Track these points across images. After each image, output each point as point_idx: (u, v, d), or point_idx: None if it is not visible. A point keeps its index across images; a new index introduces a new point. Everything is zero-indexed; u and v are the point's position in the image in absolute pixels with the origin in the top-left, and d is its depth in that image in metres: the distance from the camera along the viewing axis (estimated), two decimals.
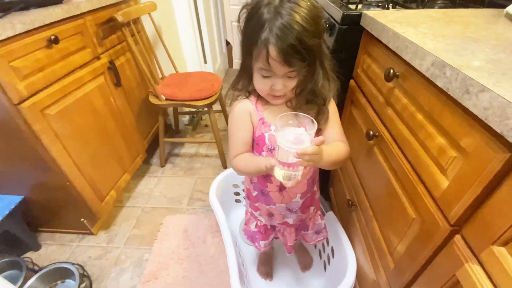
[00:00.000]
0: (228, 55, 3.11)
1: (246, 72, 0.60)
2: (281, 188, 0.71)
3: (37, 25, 0.84)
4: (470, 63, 0.40)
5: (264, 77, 0.55)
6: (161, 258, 1.11)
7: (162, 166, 1.64)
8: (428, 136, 0.47)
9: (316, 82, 0.57)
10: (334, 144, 0.61)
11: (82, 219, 1.15)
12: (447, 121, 0.43)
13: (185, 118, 2.05)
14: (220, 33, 2.72)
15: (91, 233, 1.22)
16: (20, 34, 0.80)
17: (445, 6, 0.86)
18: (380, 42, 0.66)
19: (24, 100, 0.81)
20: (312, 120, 0.49)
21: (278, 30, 0.47)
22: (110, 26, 1.21)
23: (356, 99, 0.85)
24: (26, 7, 0.93)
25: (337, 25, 0.83)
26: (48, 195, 1.07)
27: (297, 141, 0.48)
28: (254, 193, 0.78)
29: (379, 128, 0.67)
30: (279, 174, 0.52)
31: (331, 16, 0.91)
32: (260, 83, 0.57)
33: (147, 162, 1.66)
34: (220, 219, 0.99)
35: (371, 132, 0.67)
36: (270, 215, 0.79)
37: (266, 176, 0.70)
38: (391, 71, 0.58)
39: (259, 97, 0.64)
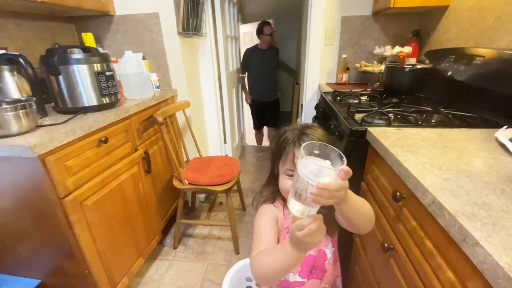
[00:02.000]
0: None
1: (273, 180, 0.70)
2: None
3: (93, 130, 1.02)
4: (465, 208, 0.46)
5: (290, 178, 0.62)
6: None
7: (175, 248, 1.63)
8: (438, 267, 0.51)
9: None
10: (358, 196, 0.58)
11: None
12: (452, 258, 0.47)
13: (202, 195, 2.12)
14: (239, 114, 3.03)
15: None
16: (78, 138, 0.96)
17: (441, 120, 0.98)
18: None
19: (69, 194, 0.92)
20: (340, 154, 0.45)
21: (302, 139, 0.61)
22: (149, 122, 1.42)
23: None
24: (85, 112, 1.14)
25: (345, 137, 0.96)
26: (63, 281, 1.08)
27: (320, 174, 0.43)
28: None
29: (393, 241, 0.70)
30: (294, 207, 0.47)
31: (340, 126, 1.05)
32: (285, 183, 0.63)
33: (160, 242, 1.66)
34: None
35: (386, 245, 0.70)
36: None
37: (288, 286, 0.70)
38: (398, 193, 0.64)
39: (285, 205, 0.70)
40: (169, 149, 1.44)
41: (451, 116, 0.97)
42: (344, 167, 0.42)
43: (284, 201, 0.69)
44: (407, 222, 0.64)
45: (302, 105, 2.21)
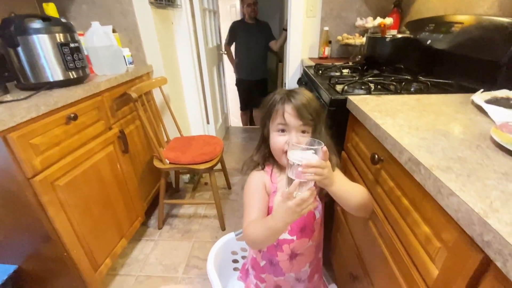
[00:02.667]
0: None
1: (264, 144, 0.72)
2: (292, 256, 0.73)
3: (59, 106, 0.94)
4: (441, 162, 0.46)
5: (280, 133, 0.65)
6: None
7: (159, 229, 1.62)
8: (414, 222, 0.51)
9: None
10: (352, 182, 0.67)
11: None
12: (428, 212, 0.47)
13: (186, 176, 2.09)
14: (222, 94, 2.96)
15: None
16: (43, 114, 0.89)
17: (420, 88, 0.98)
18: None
19: (37, 174, 0.86)
20: (319, 141, 0.56)
21: (292, 97, 0.64)
22: (123, 99, 1.34)
23: (348, 171, 0.91)
24: (50, 87, 1.06)
25: (326, 106, 0.94)
26: (42, 265, 1.04)
27: (305, 157, 0.54)
28: (262, 263, 0.79)
29: (372, 204, 0.71)
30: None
31: (321, 97, 1.04)
32: (276, 141, 0.65)
33: (144, 223, 1.64)
34: None
35: None
36: (277, 287, 0.79)
37: (277, 245, 0.72)
38: (376, 156, 0.64)
39: (273, 168, 0.72)
40: (146, 128, 1.38)
41: (429, 83, 0.98)
42: (322, 148, 0.53)
43: (274, 164, 0.72)
44: (385, 183, 0.64)
45: (285, 83, 2.17)
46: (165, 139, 1.68)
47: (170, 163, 1.43)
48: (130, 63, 1.53)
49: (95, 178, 1.10)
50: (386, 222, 0.63)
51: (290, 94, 0.64)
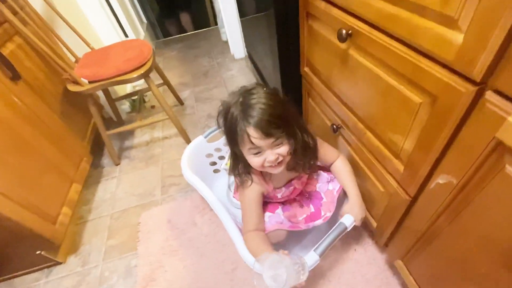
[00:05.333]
0: None
1: (240, 159, 0.68)
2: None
3: None
4: None
5: (256, 155, 0.61)
6: (152, 258, 0.97)
7: (117, 164, 1.41)
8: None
9: (300, 140, 0.65)
10: (344, 176, 0.77)
11: (38, 252, 0.94)
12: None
13: (125, 106, 1.77)
14: (134, 2, 2.32)
15: (58, 263, 1.01)
16: None
17: None
18: None
19: None
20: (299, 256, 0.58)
21: (249, 116, 0.57)
22: None
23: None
24: None
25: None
26: None
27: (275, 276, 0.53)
28: None
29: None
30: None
31: None
32: (255, 161, 0.62)
33: (97, 165, 1.42)
34: (202, 190, 0.86)
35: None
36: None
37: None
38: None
39: (261, 174, 0.73)
40: (35, 43, 0.98)
41: None
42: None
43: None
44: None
45: None
46: (73, 59, 1.28)
47: (90, 82, 1.11)
48: None
49: None
50: (374, 32, 0.50)
51: (246, 111, 0.57)
